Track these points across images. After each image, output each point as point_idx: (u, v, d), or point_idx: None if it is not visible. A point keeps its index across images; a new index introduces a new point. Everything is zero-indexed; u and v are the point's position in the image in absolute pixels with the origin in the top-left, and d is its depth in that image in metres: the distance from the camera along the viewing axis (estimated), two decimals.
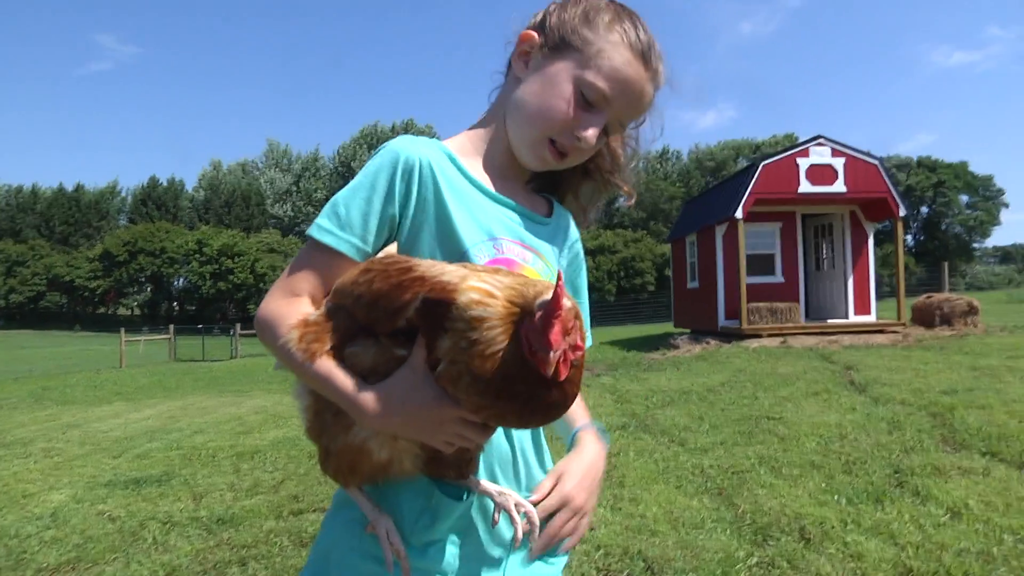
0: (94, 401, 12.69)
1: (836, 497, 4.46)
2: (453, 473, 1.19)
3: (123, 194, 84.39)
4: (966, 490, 4.40)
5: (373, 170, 1.21)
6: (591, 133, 1.26)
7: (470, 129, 1.39)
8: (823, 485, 4.74)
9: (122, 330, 28.24)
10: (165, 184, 79.47)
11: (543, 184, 1.48)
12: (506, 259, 1.24)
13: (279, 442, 7.20)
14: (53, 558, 4.04)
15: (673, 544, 3.74)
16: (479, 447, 1.17)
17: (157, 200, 77.12)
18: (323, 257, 1.19)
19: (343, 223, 1.19)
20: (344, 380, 1.08)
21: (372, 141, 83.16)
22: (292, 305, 1.17)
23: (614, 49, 1.24)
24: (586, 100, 1.25)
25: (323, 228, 1.19)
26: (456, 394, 1.04)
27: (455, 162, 1.28)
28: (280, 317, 1.15)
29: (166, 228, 66.91)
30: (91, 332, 58.71)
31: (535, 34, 1.30)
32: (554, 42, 1.28)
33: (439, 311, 1.03)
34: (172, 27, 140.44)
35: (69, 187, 78.93)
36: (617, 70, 1.24)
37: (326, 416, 1.15)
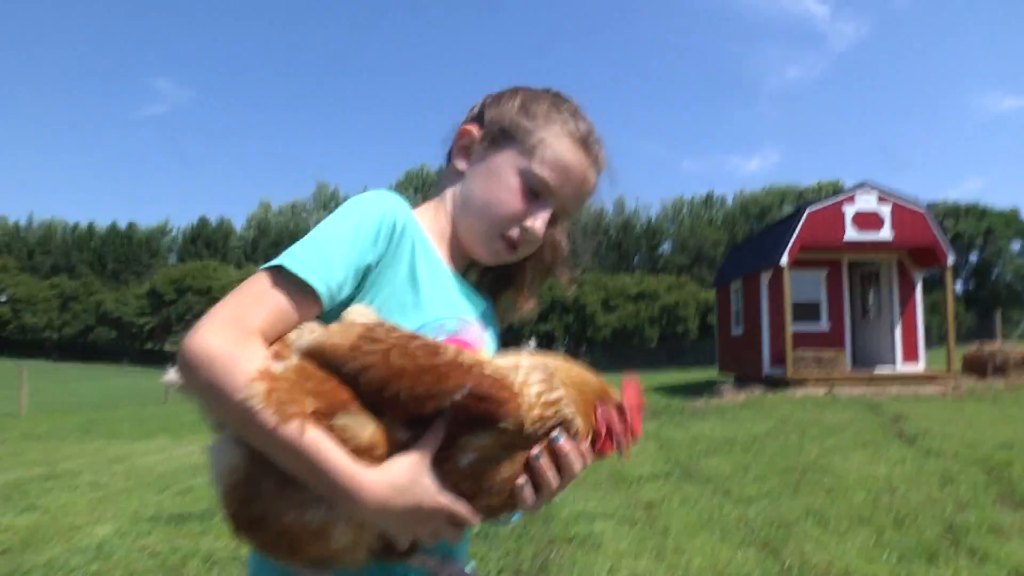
0: (139, 435, 12.88)
1: (886, 554, 4.33)
2: (397, 559, 1.06)
3: (173, 233, 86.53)
4: None
5: (358, 216, 1.12)
6: (539, 224, 1.24)
7: (416, 209, 1.31)
8: (872, 540, 4.60)
9: (168, 366, 28.62)
10: (214, 224, 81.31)
11: (494, 280, 1.44)
12: (464, 340, 1.20)
13: None
14: None
15: None
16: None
17: (206, 239, 78.91)
18: (292, 292, 1.03)
19: (324, 262, 1.05)
20: (339, 456, 0.93)
21: (418, 184, 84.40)
22: (245, 346, 0.96)
23: (555, 139, 1.24)
24: (532, 190, 1.24)
25: (302, 261, 1.04)
26: (464, 491, 0.98)
27: (424, 238, 1.24)
28: (230, 360, 0.94)
29: (214, 267, 68.29)
30: (138, 367, 59.81)
31: (474, 128, 1.29)
32: (494, 134, 1.27)
33: (483, 408, 0.95)
34: (226, 72, 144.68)
35: (122, 225, 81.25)
36: (559, 159, 1.24)
37: (263, 484, 0.97)
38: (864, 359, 18.21)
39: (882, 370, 16.94)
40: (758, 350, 17.57)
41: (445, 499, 0.97)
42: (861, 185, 16.51)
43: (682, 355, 49.45)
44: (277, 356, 0.98)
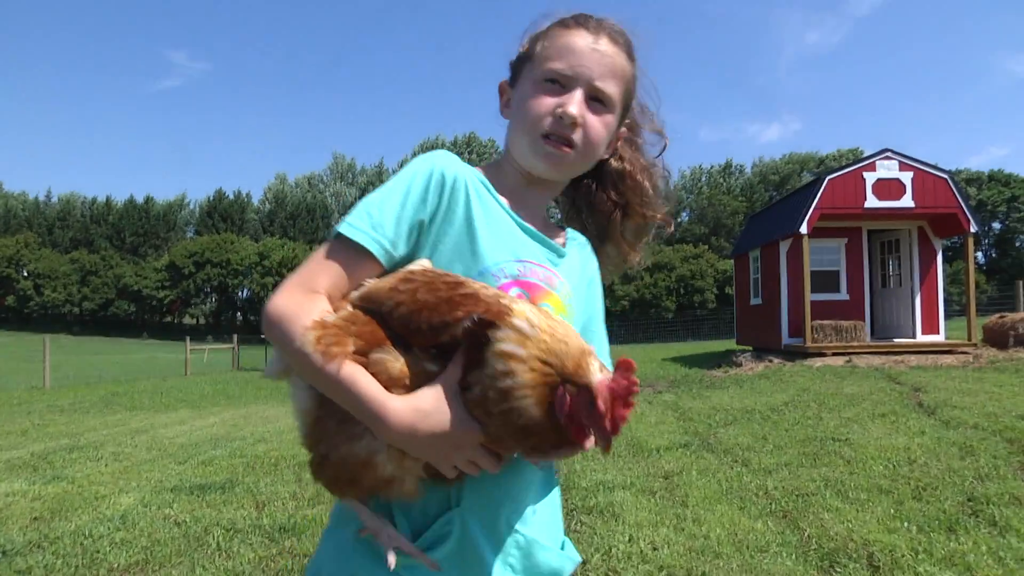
0: (160, 408, 13.04)
1: (906, 524, 4.31)
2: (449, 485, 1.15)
3: (191, 206, 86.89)
4: None
5: (408, 176, 1.22)
6: (572, 107, 1.26)
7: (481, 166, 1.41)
8: (892, 511, 4.58)
9: (187, 339, 28.99)
10: (231, 197, 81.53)
11: (592, 230, 1.53)
12: (529, 282, 1.25)
13: None
14: (123, 559, 4.15)
15: (738, 567, 3.66)
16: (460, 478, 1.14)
17: (223, 212, 79.18)
18: (349, 255, 1.17)
19: (375, 223, 1.17)
20: (369, 386, 1.04)
21: None
22: (309, 302, 1.11)
23: (554, 36, 1.31)
24: (550, 86, 1.28)
25: (353, 226, 1.17)
26: (484, 421, 1.04)
27: (488, 187, 1.31)
28: (294, 315, 1.09)
29: (231, 240, 68.62)
30: (158, 340, 60.48)
31: (505, 81, 1.41)
32: (513, 73, 1.38)
33: (486, 336, 1.02)
34: (241, 44, 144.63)
35: (140, 199, 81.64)
36: (560, 46, 1.28)
37: (328, 423, 1.10)
38: (883, 329, 18.08)
39: (901, 340, 16.82)
40: (776, 320, 17.48)
41: (469, 426, 1.04)
42: (882, 152, 16.26)
43: (700, 326, 49.30)
44: (336, 309, 1.13)
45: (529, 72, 1.31)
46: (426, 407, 1.04)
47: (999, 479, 5.22)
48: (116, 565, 4.06)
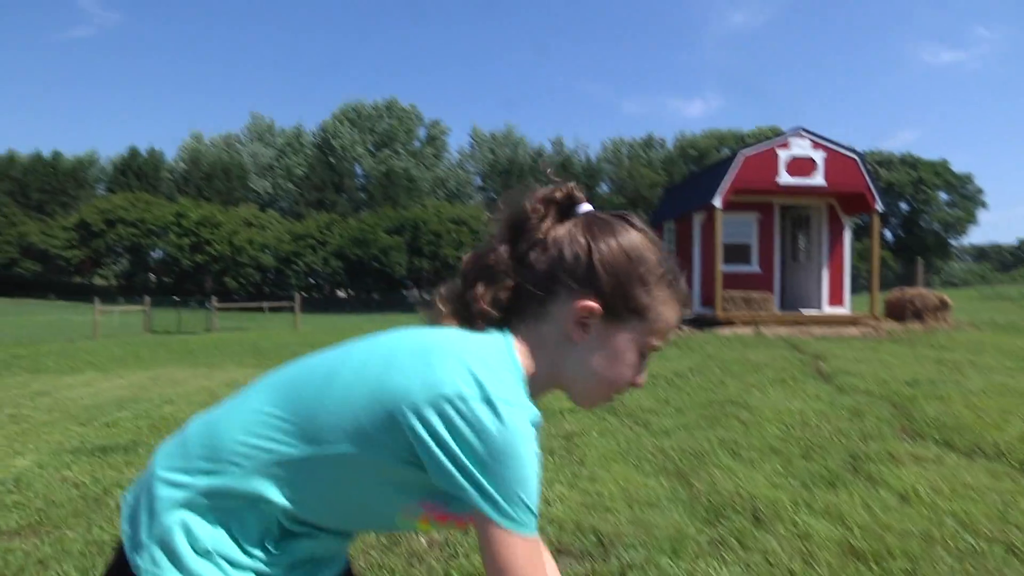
0: (66, 370, 12.62)
1: (791, 480, 4.55)
2: None
3: (102, 163, 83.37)
4: (917, 476, 4.51)
5: (532, 459, 1.06)
6: (643, 379, 1.28)
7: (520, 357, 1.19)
8: (780, 469, 4.83)
9: (96, 300, 28.02)
10: (145, 155, 78.54)
11: None
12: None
13: None
14: (15, 521, 4.05)
15: (626, 520, 3.82)
16: None
17: (137, 170, 76.20)
18: (533, 554, 1.05)
19: (535, 507, 1.06)
20: None
21: (354, 117, 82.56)
22: None
23: (667, 307, 1.24)
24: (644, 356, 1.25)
25: (528, 523, 1.04)
26: None
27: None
28: None
29: (145, 199, 66.20)
30: (66, 302, 58.14)
31: (596, 306, 1.18)
32: (615, 311, 1.20)
33: None
34: None
35: (47, 154, 77.87)
36: (670, 324, 1.25)
37: None
38: (792, 301, 18.78)
39: (808, 312, 17.50)
40: (688, 290, 17.95)
41: None
42: (795, 130, 16.79)
43: None
44: None
45: (635, 333, 1.21)
46: None
47: (881, 439, 5.56)
48: (6, 528, 3.96)
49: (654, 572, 3.18)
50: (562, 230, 1.21)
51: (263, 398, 1.16)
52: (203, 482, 1.13)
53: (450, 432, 1.00)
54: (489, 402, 1.01)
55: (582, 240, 1.19)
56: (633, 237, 1.23)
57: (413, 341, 1.12)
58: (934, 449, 5.23)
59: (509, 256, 1.22)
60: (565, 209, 1.25)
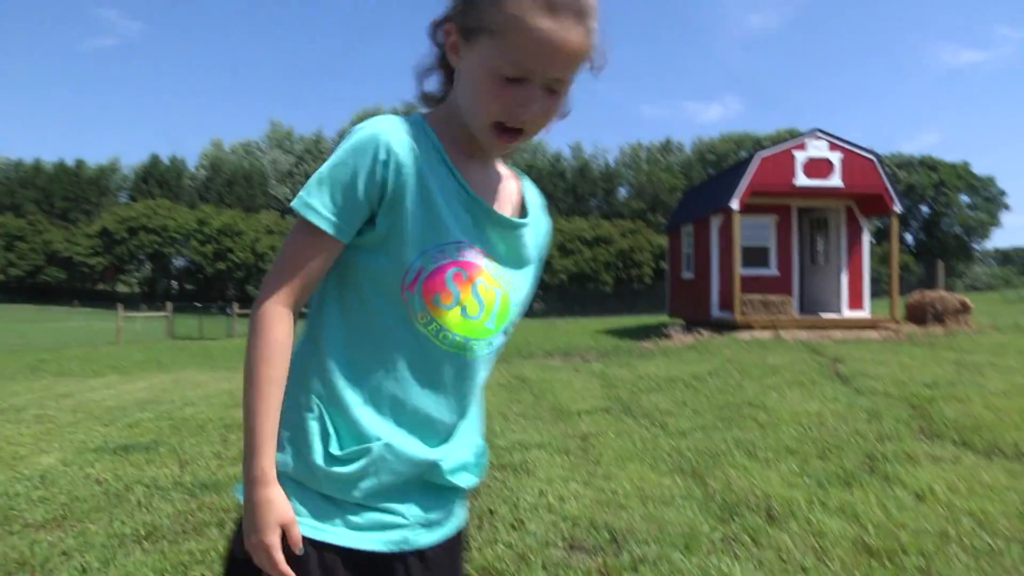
0: (89, 374, 12.79)
1: (807, 480, 4.55)
2: None
3: (124, 171, 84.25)
4: (933, 476, 4.49)
5: (352, 155, 1.15)
6: (532, 108, 1.15)
7: (438, 104, 1.30)
8: (796, 468, 4.83)
9: (120, 306, 28.34)
10: (167, 162, 79.33)
11: None
12: (467, 262, 1.20)
13: None
14: (40, 515, 4.14)
15: (640, 518, 3.84)
16: None
17: (158, 178, 77.01)
18: (316, 242, 1.16)
19: (333, 206, 1.14)
20: (271, 428, 1.14)
21: None
22: (289, 338, 1.19)
23: (519, 21, 1.09)
24: (509, 78, 1.13)
25: (317, 212, 1.14)
26: None
27: (441, 152, 1.22)
28: (281, 355, 1.18)
29: (167, 206, 66.87)
30: (89, 308, 58.82)
31: (451, 25, 1.19)
32: (467, 29, 1.16)
33: None
34: (177, 3, 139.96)
35: (70, 163, 78.84)
36: (529, 37, 1.09)
37: None
38: (811, 305, 18.67)
39: (828, 316, 17.39)
40: (707, 294, 17.91)
41: (269, 531, 1.11)
42: (812, 132, 16.71)
43: (636, 300, 50.03)
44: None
45: (484, 52, 1.14)
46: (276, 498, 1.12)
47: (898, 440, 5.54)
48: (32, 521, 4.05)
49: (666, 567, 3.20)
50: None
51: None
52: None
53: None
54: (360, 124, 1.19)
55: None
56: None
57: None
58: (952, 449, 5.21)
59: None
60: None
